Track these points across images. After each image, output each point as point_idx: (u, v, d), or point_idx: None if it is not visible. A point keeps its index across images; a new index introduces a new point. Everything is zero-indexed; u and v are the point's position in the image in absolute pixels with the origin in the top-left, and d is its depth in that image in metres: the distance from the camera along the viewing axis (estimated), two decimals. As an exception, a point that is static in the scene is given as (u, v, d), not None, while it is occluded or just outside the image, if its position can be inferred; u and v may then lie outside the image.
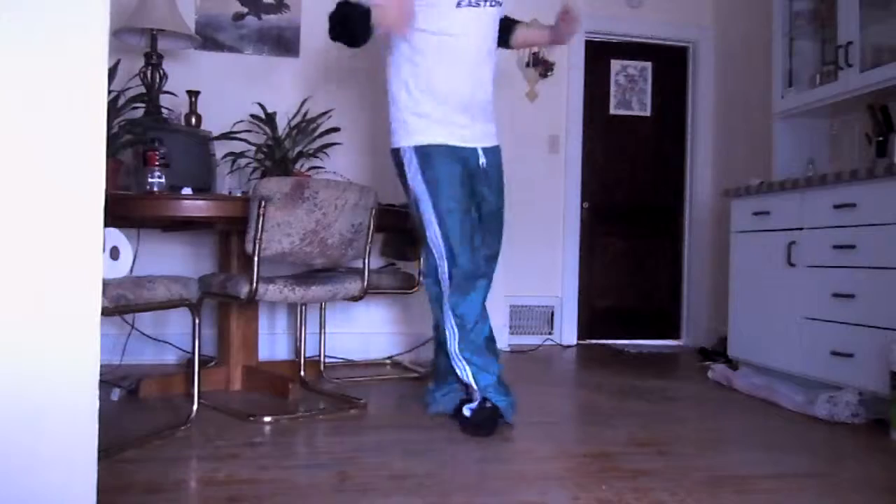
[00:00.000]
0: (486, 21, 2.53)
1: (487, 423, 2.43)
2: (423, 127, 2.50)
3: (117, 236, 2.39)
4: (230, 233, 3.10)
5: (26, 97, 1.12)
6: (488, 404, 2.45)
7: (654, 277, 5.11)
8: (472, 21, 2.49)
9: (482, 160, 2.59)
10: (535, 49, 4.81)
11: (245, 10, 3.97)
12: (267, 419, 2.52)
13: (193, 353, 2.49)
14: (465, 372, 2.48)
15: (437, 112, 2.49)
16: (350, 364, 3.77)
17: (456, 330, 2.47)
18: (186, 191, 2.86)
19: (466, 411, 2.47)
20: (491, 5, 2.52)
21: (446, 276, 2.48)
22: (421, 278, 2.59)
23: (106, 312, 2.00)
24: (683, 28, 5.01)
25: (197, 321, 2.46)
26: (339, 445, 2.30)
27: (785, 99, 3.77)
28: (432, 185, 2.47)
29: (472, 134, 2.56)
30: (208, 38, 3.87)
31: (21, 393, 1.13)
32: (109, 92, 2.56)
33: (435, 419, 2.61)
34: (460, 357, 2.47)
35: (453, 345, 2.48)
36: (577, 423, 2.80)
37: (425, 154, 2.49)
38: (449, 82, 2.49)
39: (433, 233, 2.49)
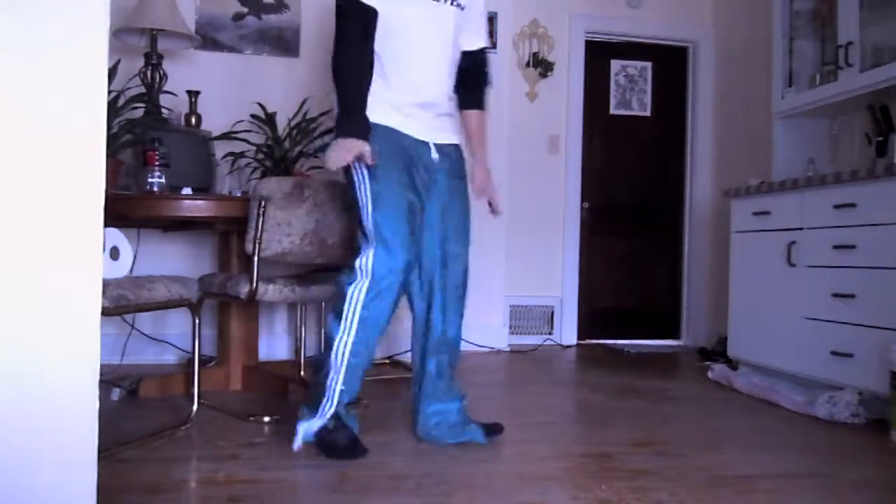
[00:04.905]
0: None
1: (340, 446, 2.13)
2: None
3: (117, 236, 2.39)
4: (230, 233, 3.10)
5: (27, 97, 1.12)
6: (336, 424, 2.16)
7: (654, 277, 5.11)
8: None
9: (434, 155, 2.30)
10: (535, 49, 4.82)
11: (245, 10, 3.97)
12: (267, 419, 2.52)
13: (193, 353, 2.50)
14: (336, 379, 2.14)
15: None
16: (350, 364, 3.76)
17: (354, 325, 2.15)
18: (186, 191, 2.86)
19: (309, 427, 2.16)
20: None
21: (369, 265, 2.15)
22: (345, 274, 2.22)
23: (106, 312, 2.00)
24: (683, 28, 5.01)
25: (197, 321, 2.47)
26: (339, 445, 2.29)
27: (785, 99, 3.77)
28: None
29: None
30: (208, 38, 3.87)
31: (21, 393, 1.13)
32: (109, 92, 2.56)
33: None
34: (343, 358, 2.14)
35: (342, 341, 2.15)
36: (577, 423, 2.80)
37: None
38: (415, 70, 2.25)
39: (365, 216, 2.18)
